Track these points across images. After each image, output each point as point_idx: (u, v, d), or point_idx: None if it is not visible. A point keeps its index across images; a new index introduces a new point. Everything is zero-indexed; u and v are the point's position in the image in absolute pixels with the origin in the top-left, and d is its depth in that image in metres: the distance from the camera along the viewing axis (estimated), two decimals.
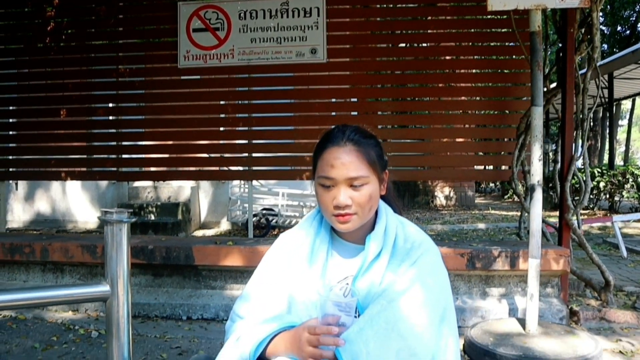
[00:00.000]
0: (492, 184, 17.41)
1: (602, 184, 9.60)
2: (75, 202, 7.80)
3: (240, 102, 3.95)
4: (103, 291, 1.58)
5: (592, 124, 17.90)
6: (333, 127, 1.49)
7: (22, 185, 7.85)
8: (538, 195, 2.55)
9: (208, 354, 1.92)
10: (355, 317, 1.35)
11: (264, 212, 6.92)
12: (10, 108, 4.30)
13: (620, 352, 2.68)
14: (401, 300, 1.36)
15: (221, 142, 3.99)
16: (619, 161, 18.60)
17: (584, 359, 2.34)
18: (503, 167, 3.78)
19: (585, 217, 7.88)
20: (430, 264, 1.45)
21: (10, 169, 4.33)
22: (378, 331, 1.30)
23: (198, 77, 3.98)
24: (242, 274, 3.27)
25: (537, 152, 2.53)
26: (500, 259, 3.07)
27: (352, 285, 1.44)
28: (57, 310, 3.37)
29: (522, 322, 2.76)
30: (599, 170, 9.85)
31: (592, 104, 3.36)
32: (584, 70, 3.33)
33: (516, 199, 13.41)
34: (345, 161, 1.38)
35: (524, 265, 3.03)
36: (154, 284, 3.41)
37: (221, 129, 4.03)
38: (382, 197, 1.53)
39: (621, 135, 29.06)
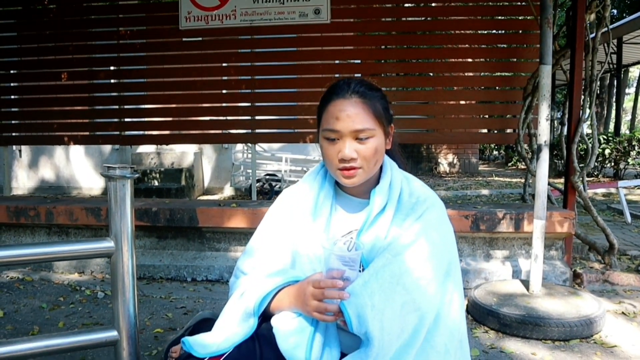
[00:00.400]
0: (495, 152, 17.36)
1: (607, 151, 9.53)
2: (79, 168, 7.81)
3: (242, 64, 3.89)
4: (107, 247, 1.58)
5: (598, 90, 17.73)
6: (338, 80, 1.45)
7: (26, 152, 7.86)
8: (545, 155, 2.52)
9: (213, 311, 1.94)
10: (360, 271, 1.35)
11: (267, 177, 6.93)
12: (12, 72, 4.24)
13: (623, 313, 2.70)
14: (406, 254, 1.35)
15: (224, 104, 3.95)
16: (624, 130, 18.44)
17: (587, 319, 2.36)
18: (508, 131, 3.73)
19: (590, 183, 7.84)
20: (435, 219, 1.44)
21: (13, 134, 4.31)
22: (383, 284, 1.29)
23: (200, 38, 3.90)
24: (246, 236, 3.28)
25: (544, 112, 2.49)
26: (505, 221, 3.06)
27: (357, 239, 1.43)
28: (63, 272, 3.40)
29: (526, 283, 2.77)
30: (605, 137, 9.75)
31: (600, 69, 3.29)
32: (593, 35, 3.25)
33: (520, 166, 13.40)
34: (351, 113, 1.35)
35: (528, 227, 3.03)
36: (158, 246, 3.43)
37: (224, 91, 3.98)
38: (387, 152, 1.51)
39: (627, 104, 28.77)
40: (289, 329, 1.36)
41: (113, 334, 1.62)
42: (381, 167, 1.50)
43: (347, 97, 1.37)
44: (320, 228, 1.47)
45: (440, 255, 1.41)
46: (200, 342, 1.44)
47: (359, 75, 3.92)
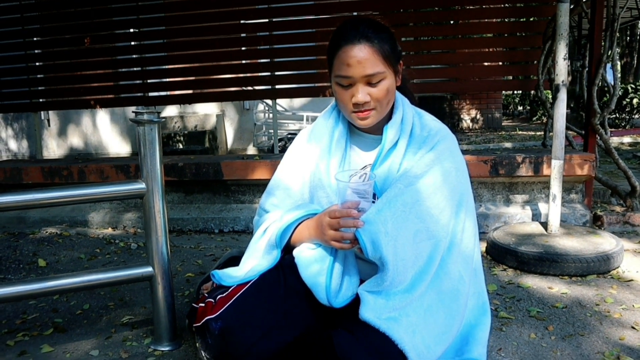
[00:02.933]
0: (520, 107, 17.03)
1: (635, 101, 9.29)
2: (106, 135, 8.00)
3: (260, 20, 3.90)
4: (139, 188, 1.69)
5: (628, 39, 17.09)
6: (345, 22, 1.49)
7: (54, 121, 8.06)
8: (562, 95, 2.52)
9: (240, 250, 2.05)
10: (374, 202, 1.42)
11: (289, 136, 7.00)
12: (34, 39, 4.33)
13: None
14: (418, 183, 1.41)
15: (243, 62, 4.00)
16: None
17: (605, 254, 2.40)
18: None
19: (614, 131, 7.69)
20: (447, 150, 1.50)
21: (41, 100, 4.44)
22: (395, 213, 1.36)
23: None
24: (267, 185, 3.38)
25: (562, 51, 2.48)
26: (524, 165, 3.09)
27: (370, 172, 1.50)
28: (97, 227, 3.57)
29: (545, 224, 2.81)
30: (633, 86, 9.50)
31: (628, 16, 3.22)
32: None
33: (545, 120, 13.13)
34: (361, 59, 1.38)
35: (547, 171, 3.05)
36: (185, 201, 3.57)
37: (243, 48, 4.02)
38: (398, 88, 1.56)
39: None
40: (310, 257, 1.45)
41: (148, 269, 1.75)
42: (393, 103, 1.55)
43: (355, 42, 1.39)
44: (336, 165, 1.54)
45: (453, 184, 1.47)
46: (229, 274, 1.54)
47: None
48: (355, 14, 3.89)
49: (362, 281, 1.45)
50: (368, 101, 1.42)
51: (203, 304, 1.47)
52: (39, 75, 4.36)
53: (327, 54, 1.51)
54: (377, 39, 1.41)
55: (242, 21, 3.97)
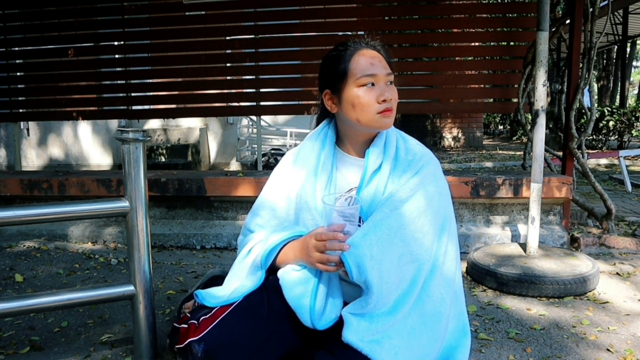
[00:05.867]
0: (500, 126, 17.31)
1: (611, 123, 9.52)
2: (88, 146, 7.91)
3: (246, 37, 3.93)
4: (123, 206, 1.68)
5: (605, 62, 17.54)
6: (340, 42, 1.54)
7: (34, 131, 7.95)
8: (541, 120, 2.58)
9: (222, 269, 2.05)
10: (359, 226, 1.44)
11: (273, 152, 7.00)
12: (16, 49, 4.30)
13: (617, 273, 2.79)
14: (403, 208, 1.44)
15: (228, 78, 4.02)
16: (632, 103, 18.30)
17: (582, 277, 2.45)
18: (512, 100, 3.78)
19: (591, 153, 7.87)
20: (431, 175, 1.52)
21: (21, 110, 4.39)
22: (381, 237, 1.38)
23: (203, 12, 3.95)
24: (253, 204, 3.36)
25: (541, 78, 2.55)
26: (504, 187, 3.15)
27: (356, 196, 1.52)
28: (77, 241, 3.52)
29: (524, 246, 2.86)
30: (609, 109, 9.74)
31: (604, 41, 3.32)
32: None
33: (525, 139, 13.37)
34: (380, 59, 1.48)
35: (527, 193, 3.11)
36: (167, 216, 3.54)
37: (228, 64, 4.04)
38: None
39: (635, 77, 28.44)
40: (294, 279, 1.46)
41: (130, 288, 1.73)
42: None
43: (369, 47, 1.49)
44: (322, 186, 1.55)
45: (436, 208, 1.49)
46: (212, 294, 1.54)
47: None
48: (340, 33, 3.95)
49: (345, 303, 1.46)
50: (392, 99, 1.46)
51: (186, 325, 1.46)
52: (20, 86, 4.32)
53: (334, 66, 1.50)
54: (382, 48, 1.52)
55: (227, 37, 4.00)
